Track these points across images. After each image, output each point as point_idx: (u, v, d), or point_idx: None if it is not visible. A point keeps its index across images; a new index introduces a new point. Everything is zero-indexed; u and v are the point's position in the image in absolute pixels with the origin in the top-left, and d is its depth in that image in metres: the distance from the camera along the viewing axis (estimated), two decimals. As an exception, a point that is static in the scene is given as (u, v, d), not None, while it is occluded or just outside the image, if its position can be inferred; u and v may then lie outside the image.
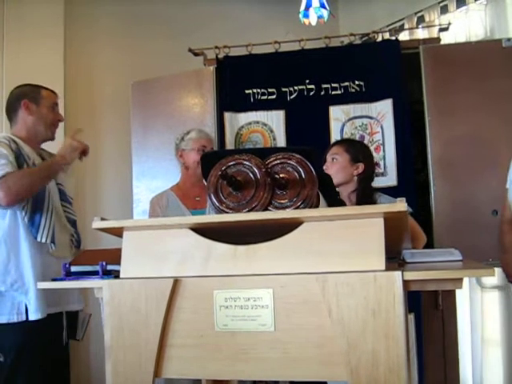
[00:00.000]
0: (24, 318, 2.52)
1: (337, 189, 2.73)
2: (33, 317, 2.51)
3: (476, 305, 4.23)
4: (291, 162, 1.63)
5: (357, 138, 3.56)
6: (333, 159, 2.88)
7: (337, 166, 2.85)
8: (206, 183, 1.72)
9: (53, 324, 2.61)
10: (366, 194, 2.82)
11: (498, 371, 4.08)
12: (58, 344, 2.67)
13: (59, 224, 2.69)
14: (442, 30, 3.84)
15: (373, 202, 2.77)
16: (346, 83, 3.63)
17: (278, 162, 1.64)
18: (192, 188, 3.22)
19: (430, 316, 3.43)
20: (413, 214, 2.80)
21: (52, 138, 2.85)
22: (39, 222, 2.57)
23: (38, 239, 2.55)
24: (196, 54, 3.93)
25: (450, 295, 3.48)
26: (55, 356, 2.65)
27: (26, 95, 2.74)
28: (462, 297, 4.04)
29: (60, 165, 2.67)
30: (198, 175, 3.19)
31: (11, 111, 2.77)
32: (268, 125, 3.71)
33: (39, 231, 2.56)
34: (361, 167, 2.87)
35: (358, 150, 2.91)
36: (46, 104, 2.78)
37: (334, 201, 1.84)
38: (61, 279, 1.81)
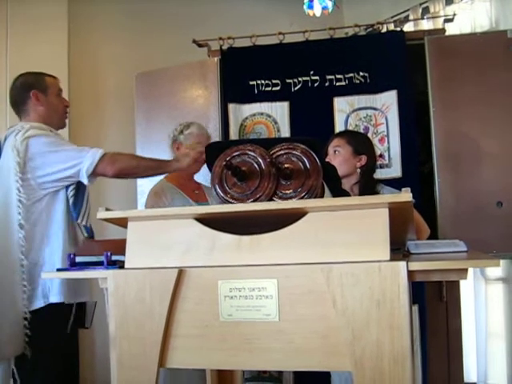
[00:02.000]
0: (48, 302, 2.54)
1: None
2: (54, 299, 2.53)
3: (480, 297, 4.23)
4: (296, 153, 1.63)
5: (361, 129, 3.55)
6: (335, 151, 2.87)
7: (339, 159, 2.84)
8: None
9: (64, 314, 2.62)
10: (368, 186, 2.82)
11: (501, 363, 4.09)
12: (68, 334, 2.68)
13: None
14: (446, 21, 3.83)
15: (375, 193, 2.76)
16: (351, 74, 3.62)
17: (283, 152, 1.64)
18: (189, 182, 3.21)
19: (435, 308, 3.43)
20: (415, 205, 2.80)
21: (63, 126, 2.86)
22: (81, 205, 2.61)
23: (79, 221, 2.60)
24: (200, 46, 3.92)
25: (455, 287, 3.48)
26: (68, 345, 2.67)
27: (34, 85, 2.71)
28: (466, 289, 4.04)
29: (173, 168, 2.76)
30: (193, 171, 3.19)
31: (19, 103, 2.73)
32: (272, 116, 3.70)
33: (80, 213, 2.60)
34: (363, 159, 2.86)
35: (360, 142, 2.90)
36: (53, 92, 2.77)
37: (339, 191, 1.84)
38: (65, 269, 1.82)
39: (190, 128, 3.20)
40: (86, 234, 2.63)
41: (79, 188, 2.62)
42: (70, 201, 2.59)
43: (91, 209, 2.76)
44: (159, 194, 3.11)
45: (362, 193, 2.79)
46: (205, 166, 2.30)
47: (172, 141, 3.23)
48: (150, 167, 2.69)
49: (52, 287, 2.53)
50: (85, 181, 2.55)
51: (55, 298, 2.53)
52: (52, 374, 2.54)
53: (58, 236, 2.59)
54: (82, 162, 2.52)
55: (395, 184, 2.94)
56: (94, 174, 2.56)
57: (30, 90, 2.70)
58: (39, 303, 2.53)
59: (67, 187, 2.59)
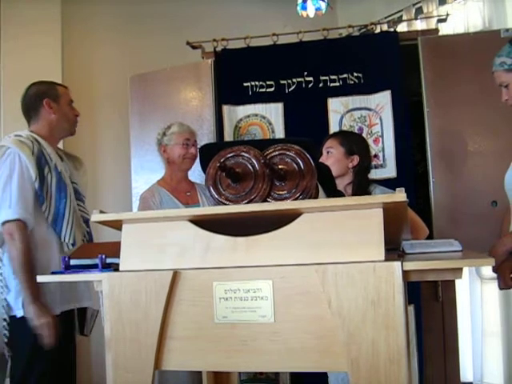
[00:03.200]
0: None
1: (334, 182, 2.74)
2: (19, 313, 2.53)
3: (476, 296, 4.23)
4: (290, 154, 1.62)
5: (355, 130, 3.55)
6: (328, 152, 2.88)
7: (332, 160, 2.84)
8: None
9: (65, 321, 2.62)
10: (361, 186, 2.82)
11: (498, 362, 4.09)
12: (68, 341, 2.69)
13: (77, 223, 2.71)
14: (440, 21, 3.84)
15: (368, 193, 2.77)
16: (345, 75, 3.62)
17: (277, 153, 1.64)
18: (180, 184, 3.21)
19: (430, 307, 3.43)
20: (410, 204, 2.80)
21: (73, 133, 2.89)
22: (62, 222, 2.60)
23: (62, 239, 2.59)
24: (194, 47, 3.92)
25: (450, 286, 3.48)
26: (65, 353, 2.66)
27: (46, 94, 2.74)
28: (461, 288, 4.05)
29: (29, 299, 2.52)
30: (183, 170, 3.21)
31: (31, 110, 2.76)
32: (266, 117, 3.70)
33: (62, 231, 2.59)
34: (356, 159, 2.86)
35: (352, 143, 2.90)
36: (65, 101, 2.79)
37: (333, 192, 1.84)
38: (60, 272, 1.81)
39: (171, 128, 3.22)
40: (70, 248, 2.59)
41: (59, 205, 2.61)
42: (49, 219, 2.59)
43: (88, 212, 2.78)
44: (147, 199, 3.12)
45: (355, 193, 2.79)
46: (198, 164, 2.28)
47: (158, 145, 3.25)
48: (22, 278, 2.48)
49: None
50: None
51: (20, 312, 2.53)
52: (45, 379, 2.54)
53: (50, 243, 2.61)
54: None
55: (390, 184, 2.94)
56: None
57: (43, 99, 2.72)
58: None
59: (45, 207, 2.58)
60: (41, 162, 2.59)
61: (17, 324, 2.53)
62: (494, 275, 2.43)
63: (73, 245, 2.60)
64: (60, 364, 2.59)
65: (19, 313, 2.52)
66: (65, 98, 2.80)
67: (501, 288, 2.37)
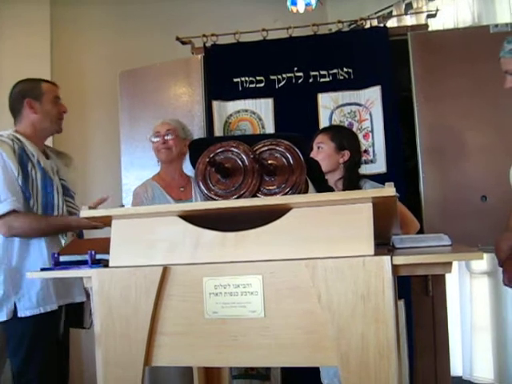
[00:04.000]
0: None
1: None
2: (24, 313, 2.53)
3: (465, 290, 4.26)
4: (279, 149, 1.62)
5: (345, 125, 3.55)
6: (318, 148, 2.89)
7: (322, 155, 2.84)
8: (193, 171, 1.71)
9: (57, 317, 2.64)
10: (352, 181, 2.83)
11: (487, 356, 4.12)
12: (66, 335, 2.72)
13: None
14: (429, 16, 3.85)
15: (359, 188, 2.77)
16: (335, 70, 3.62)
17: (266, 148, 1.64)
18: (174, 179, 3.20)
19: (420, 302, 3.44)
20: (400, 199, 2.81)
21: (59, 131, 2.86)
22: (52, 215, 2.62)
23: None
24: (183, 43, 3.91)
25: (440, 281, 3.49)
26: (59, 348, 2.67)
27: (28, 93, 2.73)
28: (451, 283, 4.06)
29: (72, 227, 2.67)
30: (164, 163, 3.21)
31: (15, 110, 2.76)
32: (256, 113, 3.70)
33: None
34: (346, 155, 2.87)
35: (343, 138, 2.90)
36: (48, 99, 2.77)
37: (323, 187, 1.84)
38: (50, 269, 1.81)
39: (155, 126, 3.23)
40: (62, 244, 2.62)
41: (47, 203, 2.62)
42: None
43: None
44: (139, 194, 3.13)
45: (345, 188, 2.79)
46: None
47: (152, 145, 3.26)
48: (55, 226, 2.61)
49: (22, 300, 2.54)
50: None
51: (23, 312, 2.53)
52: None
53: (40, 245, 2.60)
54: None
55: (380, 179, 2.94)
56: None
57: (24, 99, 2.72)
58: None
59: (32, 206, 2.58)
60: (22, 159, 2.58)
61: (11, 325, 2.53)
62: (484, 270, 2.45)
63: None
64: (57, 359, 2.61)
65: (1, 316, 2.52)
66: (48, 96, 2.77)
67: (505, 284, 2.38)
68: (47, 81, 2.86)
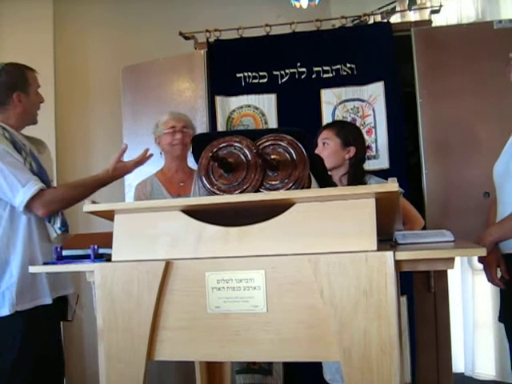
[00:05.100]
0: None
1: (328, 172, 2.73)
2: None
3: (467, 287, 4.25)
4: (282, 144, 1.62)
5: (348, 120, 3.55)
6: (324, 144, 2.87)
7: (328, 151, 2.83)
8: (196, 165, 1.71)
9: (55, 309, 2.60)
10: (357, 177, 2.82)
11: (489, 353, 4.11)
12: (56, 329, 2.68)
13: None
14: (433, 12, 3.83)
15: (363, 184, 2.76)
16: (338, 66, 3.62)
17: (269, 143, 1.64)
18: (176, 173, 3.20)
19: (423, 299, 3.44)
20: (404, 195, 2.81)
21: (36, 122, 2.77)
22: None
23: (52, 223, 2.55)
24: (187, 38, 3.90)
25: (442, 278, 3.49)
26: (52, 344, 2.63)
27: (17, 86, 2.63)
28: (453, 279, 4.06)
29: (105, 182, 2.66)
30: (175, 158, 3.19)
31: (1, 101, 2.64)
32: (259, 108, 3.70)
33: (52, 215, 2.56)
34: (352, 150, 2.86)
35: (348, 133, 2.89)
36: (33, 91, 2.70)
37: (326, 182, 1.83)
38: (52, 263, 1.81)
39: (161, 118, 3.22)
40: (59, 232, 2.56)
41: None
42: None
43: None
44: (139, 190, 3.16)
45: (350, 184, 2.79)
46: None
47: (155, 138, 3.25)
48: (90, 187, 2.60)
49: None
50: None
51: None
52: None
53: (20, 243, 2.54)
54: (14, 197, 2.43)
55: (383, 175, 2.94)
56: (25, 211, 2.47)
57: (13, 92, 2.62)
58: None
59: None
60: (16, 147, 2.51)
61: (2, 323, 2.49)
62: (486, 266, 2.44)
63: (60, 229, 2.56)
64: (49, 355, 2.57)
65: (4, 311, 2.47)
66: (34, 86, 2.70)
67: (489, 281, 2.38)
68: (30, 68, 2.73)
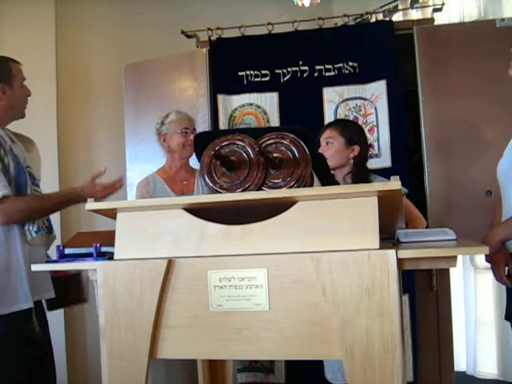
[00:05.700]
0: None
1: (332, 172, 2.73)
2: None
3: (469, 285, 4.25)
4: (285, 142, 1.62)
5: (351, 119, 3.54)
6: (327, 143, 2.86)
7: (332, 150, 2.82)
8: (199, 164, 1.71)
9: (38, 312, 2.53)
10: (361, 176, 2.81)
11: (491, 351, 4.11)
12: (38, 333, 2.54)
13: None
14: (435, 10, 3.82)
15: (368, 182, 2.76)
16: (340, 64, 3.61)
17: (272, 141, 1.64)
18: (178, 172, 3.19)
19: (425, 297, 3.44)
20: (406, 194, 2.80)
21: (23, 116, 2.68)
22: None
23: (26, 226, 2.46)
24: (189, 36, 3.89)
25: (445, 276, 3.49)
26: (38, 347, 2.54)
27: (0, 79, 2.53)
28: (455, 278, 4.06)
29: (73, 199, 2.55)
30: (184, 158, 3.18)
31: None
32: (261, 107, 3.69)
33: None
34: (356, 149, 2.85)
35: (352, 132, 2.88)
36: (18, 83, 2.60)
37: (328, 180, 1.84)
38: (55, 261, 1.81)
39: (169, 117, 3.19)
40: (34, 235, 2.47)
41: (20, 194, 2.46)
42: None
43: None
44: (141, 188, 3.14)
45: (354, 182, 2.78)
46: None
47: (157, 134, 3.22)
48: (56, 202, 2.52)
49: None
50: None
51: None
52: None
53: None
54: None
55: (385, 174, 2.94)
56: None
57: None
58: None
59: None
60: None
61: None
62: (488, 265, 2.44)
63: (36, 232, 2.47)
64: (35, 358, 2.49)
65: None
66: (18, 78, 2.60)
67: (497, 280, 2.38)
68: (14, 60, 2.63)
